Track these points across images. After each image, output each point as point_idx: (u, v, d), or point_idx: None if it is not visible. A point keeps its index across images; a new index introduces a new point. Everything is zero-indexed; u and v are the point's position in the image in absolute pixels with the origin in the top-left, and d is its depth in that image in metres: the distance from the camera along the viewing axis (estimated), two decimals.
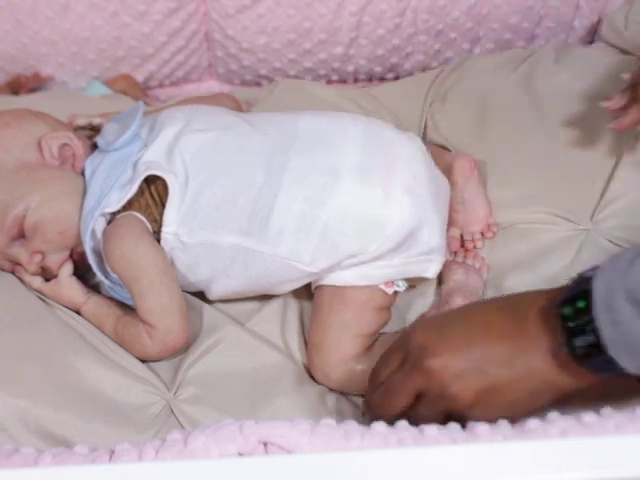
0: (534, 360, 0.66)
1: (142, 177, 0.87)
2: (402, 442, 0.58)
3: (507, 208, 0.96)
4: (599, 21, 1.19)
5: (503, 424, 0.60)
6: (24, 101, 1.10)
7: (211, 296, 0.90)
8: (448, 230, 0.93)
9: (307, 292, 0.91)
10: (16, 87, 1.20)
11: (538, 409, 0.66)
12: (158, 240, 0.87)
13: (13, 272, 0.93)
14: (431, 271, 0.87)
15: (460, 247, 0.95)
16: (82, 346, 0.86)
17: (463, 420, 0.63)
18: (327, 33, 1.16)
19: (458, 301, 0.86)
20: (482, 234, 0.95)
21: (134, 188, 0.87)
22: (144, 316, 0.84)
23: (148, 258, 0.85)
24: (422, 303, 0.92)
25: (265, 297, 0.92)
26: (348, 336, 0.85)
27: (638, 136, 0.97)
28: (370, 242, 0.84)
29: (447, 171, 0.94)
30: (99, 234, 0.88)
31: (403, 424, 0.61)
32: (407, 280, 0.88)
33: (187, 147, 0.88)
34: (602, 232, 0.92)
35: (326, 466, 0.53)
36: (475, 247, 0.94)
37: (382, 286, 0.86)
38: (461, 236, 0.95)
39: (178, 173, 0.86)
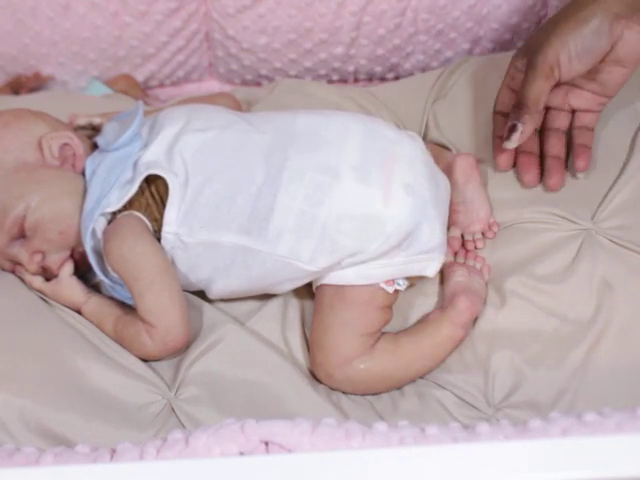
0: None
1: (142, 177, 0.87)
2: (403, 441, 0.58)
3: (507, 208, 0.96)
4: None
5: (504, 423, 0.60)
6: (24, 101, 1.10)
7: (211, 295, 0.90)
8: (449, 230, 0.93)
9: (308, 291, 0.91)
10: (17, 87, 1.20)
11: None
12: (159, 239, 0.87)
13: (14, 272, 0.93)
14: (431, 269, 0.87)
15: (461, 247, 0.95)
16: (83, 345, 0.86)
17: None
18: (328, 33, 1.16)
19: (463, 301, 0.86)
20: (483, 234, 0.95)
21: (134, 188, 0.87)
22: (144, 315, 0.84)
23: (148, 257, 0.85)
24: (424, 302, 0.92)
25: (265, 296, 0.92)
26: (350, 335, 0.85)
27: None
28: (370, 241, 0.84)
29: (448, 170, 0.94)
30: (99, 234, 0.88)
31: (404, 423, 0.61)
32: (407, 279, 0.88)
33: (187, 146, 0.88)
34: (603, 231, 0.92)
35: (327, 465, 0.53)
36: (476, 247, 0.94)
37: (383, 285, 0.86)
38: (462, 236, 0.95)
39: (178, 172, 0.86)
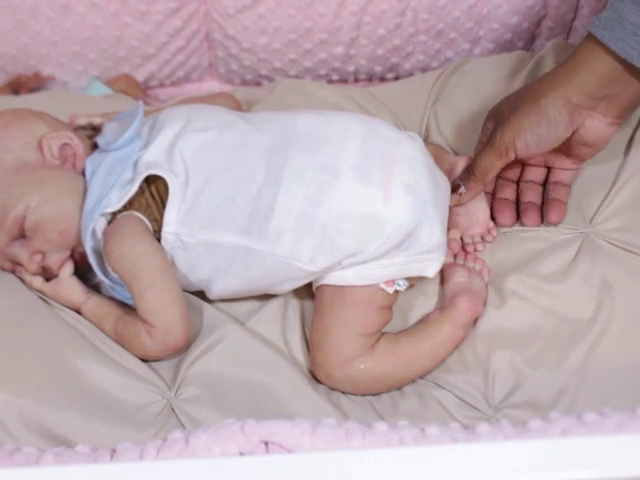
0: None
1: (142, 177, 0.87)
2: (403, 441, 0.58)
3: None
4: None
5: (504, 423, 0.60)
6: (25, 101, 1.10)
7: (211, 296, 0.90)
8: (448, 232, 0.93)
9: (308, 291, 0.91)
10: (17, 87, 1.20)
11: None
12: (159, 240, 0.87)
13: (14, 272, 0.93)
14: (431, 270, 0.87)
15: (461, 250, 0.95)
16: (83, 345, 0.86)
17: None
18: (328, 33, 1.16)
19: (463, 302, 0.86)
20: (482, 237, 0.95)
21: (134, 188, 0.87)
22: (144, 315, 0.84)
23: (148, 257, 0.85)
24: (424, 303, 0.92)
25: (265, 296, 0.92)
26: (350, 335, 0.85)
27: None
28: (370, 241, 0.84)
29: (449, 172, 0.94)
30: (99, 234, 0.88)
31: (404, 423, 0.61)
32: (407, 279, 0.88)
33: (187, 146, 0.88)
34: (601, 234, 0.92)
35: (327, 465, 0.53)
36: (476, 250, 0.94)
37: (383, 285, 0.86)
38: (461, 239, 0.96)
39: (178, 172, 0.86)
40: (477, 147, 0.96)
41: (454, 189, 0.92)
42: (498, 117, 0.91)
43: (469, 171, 0.92)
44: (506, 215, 0.96)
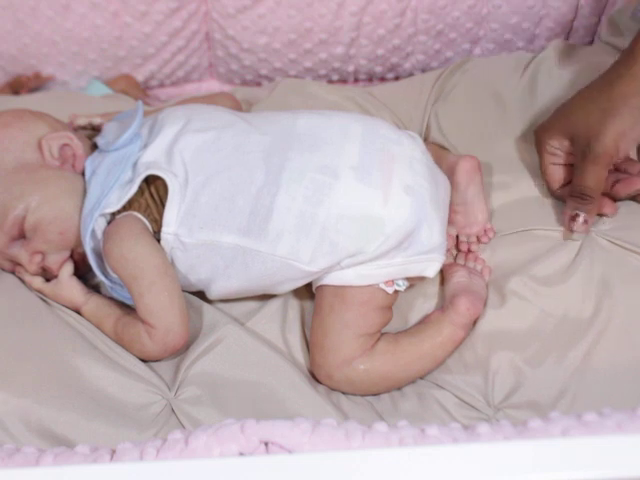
0: None
1: (142, 177, 0.87)
2: (403, 441, 0.58)
3: (508, 211, 0.96)
4: (599, 21, 1.19)
5: (504, 423, 0.60)
6: (25, 101, 1.10)
7: (211, 296, 0.90)
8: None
9: (307, 291, 0.91)
10: (17, 87, 1.20)
11: None
12: (158, 240, 0.87)
13: (14, 272, 0.93)
14: (431, 270, 0.87)
15: (454, 247, 0.95)
16: (83, 346, 0.86)
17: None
18: (327, 33, 1.16)
19: (463, 302, 0.86)
20: (478, 238, 0.95)
21: (134, 188, 0.87)
22: (144, 316, 0.84)
23: (147, 258, 0.85)
24: (424, 303, 0.92)
25: (265, 297, 0.92)
26: (349, 336, 0.85)
27: None
28: (370, 242, 0.84)
29: (450, 172, 0.94)
30: (99, 234, 0.88)
31: (404, 423, 0.61)
32: (407, 279, 0.88)
33: (187, 147, 0.88)
34: (602, 233, 0.92)
35: (327, 466, 0.53)
36: (469, 250, 0.94)
37: (382, 285, 0.86)
38: (457, 237, 0.96)
39: (178, 173, 0.86)
40: (548, 171, 0.94)
41: (572, 219, 0.90)
42: (571, 130, 0.90)
43: (581, 197, 0.89)
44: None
